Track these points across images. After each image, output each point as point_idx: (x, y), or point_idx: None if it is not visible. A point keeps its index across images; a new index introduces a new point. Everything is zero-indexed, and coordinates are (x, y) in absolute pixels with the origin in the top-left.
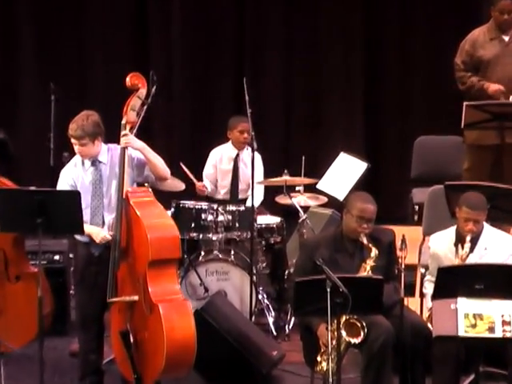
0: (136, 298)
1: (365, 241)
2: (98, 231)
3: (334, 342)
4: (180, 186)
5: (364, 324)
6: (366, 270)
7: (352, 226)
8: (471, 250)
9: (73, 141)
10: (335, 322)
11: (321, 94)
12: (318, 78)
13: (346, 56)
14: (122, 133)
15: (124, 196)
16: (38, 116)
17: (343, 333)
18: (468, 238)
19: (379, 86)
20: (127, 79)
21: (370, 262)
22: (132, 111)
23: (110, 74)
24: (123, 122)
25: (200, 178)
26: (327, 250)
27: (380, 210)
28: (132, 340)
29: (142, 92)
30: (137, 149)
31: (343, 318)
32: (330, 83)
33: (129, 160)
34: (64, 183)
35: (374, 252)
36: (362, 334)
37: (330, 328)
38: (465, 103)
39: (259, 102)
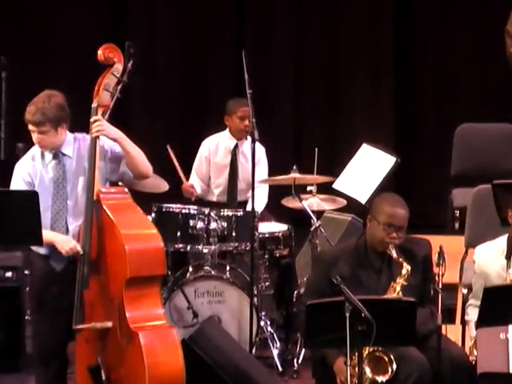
0: (109, 324)
1: (394, 254)
2: (64, 240)
3: (355, 381)
4: (163, 185)
5: (392, 358)
6: (395, 291)
7: (379, 236)
8: None
9: (30, 127)
10: (356, 355)
11: (340, 71)
12: (336, 51)
13: (373, 25)
14: (93, 118)
15: (95, 197)
16: None
17: (367, 369)
18: None
19: (413, 64)
20: (99, 52)
21: (400, 281)
22: (105, 92)
23: (77, 46)
24: (94, 105)
25: (188, 176)
26: (347, 265)
27: (413, 215)
28: (104, 378)
29: (118, 68)
30: (112, 138)
31: (366, 351)
32: (351, 58)
33: (101, 152)
34: (19, 180)
35: (406, 268)
36: (390, 370)
37: (349, 363)
38: None
39: (263, 81)
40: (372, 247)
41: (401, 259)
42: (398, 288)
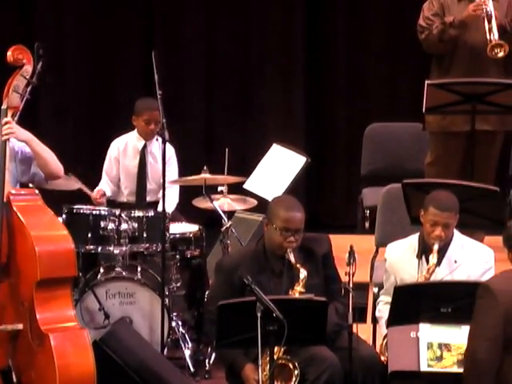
0: (20, 326)
1: (292, 259)
2: None
3: None
4: (76, 184)
5: (296, 364)
6: None
7: (276, 240)
8: (438, 262)
9: None
10: (266, 357)
11: (251, 68)
12: (247, 48)
13: (284, 23)
14: (3, 120)
15: (5, 199)
16: None
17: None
18: (435, 248)
19: (324, 63)
20: (8, 53)
21: (298, 288)
22: (15, 93)
23: None
24: (3, 106)
25: (96, 182)
26: (248, 270)
27: (323, 215)
28: (15, 380)
29: (27, 69)
30: (22, 140)
31: (275, 354)
32: (262, 57)
33: (11, 154)
34: None
35: (303, 274)
36: (293, 378)
37: (260, 363)
38: (427, 82)
39: (173, 80)
40: (271, 251)
41: (298, 265)
42: (297, 295)
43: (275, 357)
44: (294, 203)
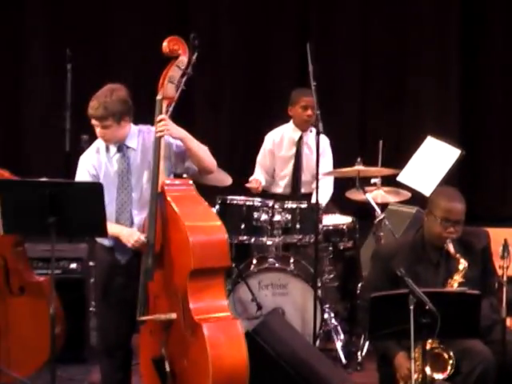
0: (174, 315)
1: (451, 249)
2: (129, 232)
3: (417, 376)
4: (227, 180)
5: (451, 354)
6: (452, 288)
7: (436, 231)
8: None
9: (93, 122)
10: (420, 348)
11: (406, 60)
12: (402, 39)
13: (439, 17)
14: (158, 117)
15: (159, 189)
16: (51, 91)
17: (426, 368)
18: None
19: (479, 55)
20: (164, 44)
21: (457, 278)
22: (170, 84)
23: (140, 38)
24: (159, 97)
25: (252, 170)
26: (405, 260)
27: (479, 208)
28: (168, 369)
29: (183, 60)
30: (176, 138)
31: (428, 346)
32: (417, 48)
33: (166, 146)
34: (84, 173)
35: (463, 264)
36: (448, 367)
37: (413, 355)
38: None
39: (328, 72)
40: (429, 242)
41: (458, 255)
42: (456, 285)
43: (429, 347)
44: (456, 194)
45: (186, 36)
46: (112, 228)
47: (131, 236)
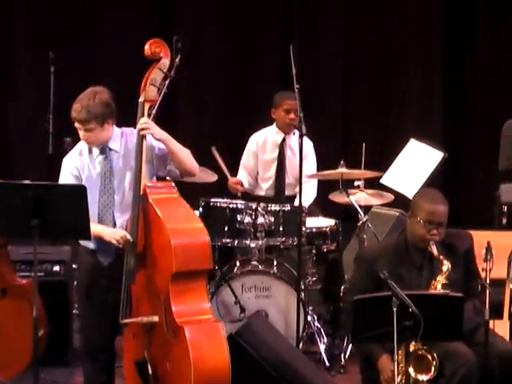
0: (156, 318)
1: (435, 251)
2: (112, 231)
3: (400, 378)
4: (211, 177)
5: (435, 356)
6: (436, 289)
7: (419, 233)
8: None
9: (76, 125)
10: (403, 350)
11: (390, 63)
12: (386, 41)
13: (423, 13)
14: (142, 120)
15: (142, 192)
16: (34, 92)
17: (410, 369)
18: None
19: (463, 56)
20: (146, 47)
21: (441, 279)
22: (152, 86)
23: (123, 41)
24: (141, 99)
25: (235, 171)
26: (388, 262)
27: (460, 210)
28: (150, 371)
29: (165, 63)
30: (158, 139)
31: (411, 348)
32: (401, 49)
33: (148, 149)
34: (67, 175)
35: (447, 266)
36: (432, 368)
37: (396, 358)
38: None
39: (311, 74)
40: (412, 244)
41: (441, 256)
42: (439, 286)
43: (412, 349)
44: (438, 196)
45: (170, 38)
46: (94, 228)
47: (115, 233)
